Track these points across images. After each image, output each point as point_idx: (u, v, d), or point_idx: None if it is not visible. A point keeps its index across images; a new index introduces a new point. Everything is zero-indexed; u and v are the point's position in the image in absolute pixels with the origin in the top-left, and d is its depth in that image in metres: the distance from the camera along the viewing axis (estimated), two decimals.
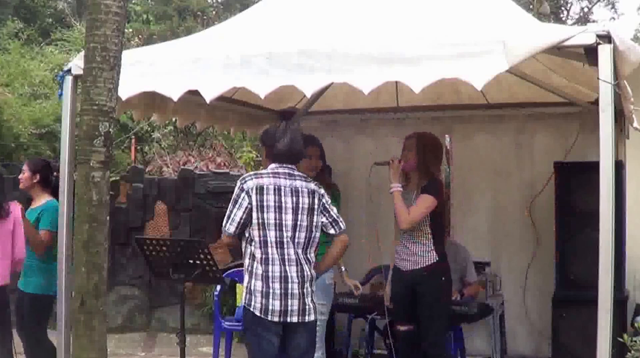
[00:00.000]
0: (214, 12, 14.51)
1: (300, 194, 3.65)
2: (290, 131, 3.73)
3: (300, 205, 3.64)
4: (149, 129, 9.87)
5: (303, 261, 3.62)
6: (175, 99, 3.93)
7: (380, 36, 3.73)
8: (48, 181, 4.90)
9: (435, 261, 4.35)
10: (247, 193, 3.61)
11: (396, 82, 4.13)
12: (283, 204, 3.61)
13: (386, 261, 5.74)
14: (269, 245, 3.58)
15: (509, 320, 5.80)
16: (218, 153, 9.93)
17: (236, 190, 3.66)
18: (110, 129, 2.92)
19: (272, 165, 3.71)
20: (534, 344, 5.86)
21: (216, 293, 5.70)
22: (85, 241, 2.87)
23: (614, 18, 17.15)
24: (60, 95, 4.31)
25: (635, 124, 4.09)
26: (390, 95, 5.73)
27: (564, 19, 15.90)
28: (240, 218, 3.61)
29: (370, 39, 3.70)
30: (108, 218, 2.95)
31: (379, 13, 4.10)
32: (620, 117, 4.54)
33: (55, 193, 4.78)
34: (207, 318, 7.23)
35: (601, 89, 3.27)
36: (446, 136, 6.27)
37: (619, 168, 4.48)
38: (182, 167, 8.57)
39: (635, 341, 3.39)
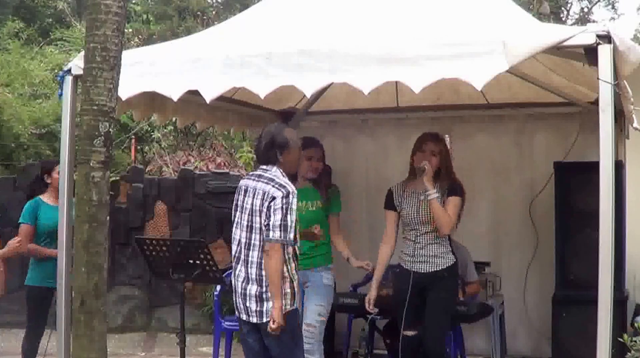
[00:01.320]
0: (214, 12, 14.50)
1: (254, 196, 3.71)
2: (264, 132, 3.88)
3: (251, 206, 3.71)
4: (149, 129, 9.87)
5: (254, 265, 3.69)
6: (175, 99, 3.93)
7: (380, 36, 3.73)
8: None
9: (453, 262, 4.38)
10: (237, 191, 3.84)
11: (396, 82, 4.13)
12: (243, 205, 3.76)
13: None
14: (233, 242, 3.82)
15: (509, 320, 5.80)
16: (218, 153, 9.93)
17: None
18: (110, 129, 2.92)
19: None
20: (534, 344, 5.86)
21: (216, 293, 5.70)
22: (85, 241, 2.87)
23: (613, 18, 17.14)
24: (60, 95, 4.31)
25: (635, 124, 4.09)
26: (390, 95, 5.74)
27: (564, 19, 15.89)
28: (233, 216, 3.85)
29: (370, 39, 3.70)
30: (108, 218, 2.95)
31: (379, 13, 4.10)
32: (620, 117, 4.54)
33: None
34: (207, 318, 7.23)
35: (601, 89, 3.27)
36: (446, 136, 6.26)
37: (619, 168, 4.49)
38: (182, 167, 8.56)
39: (635, 341, 3.40)
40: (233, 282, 3.81)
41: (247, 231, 3.70)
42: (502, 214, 5.96)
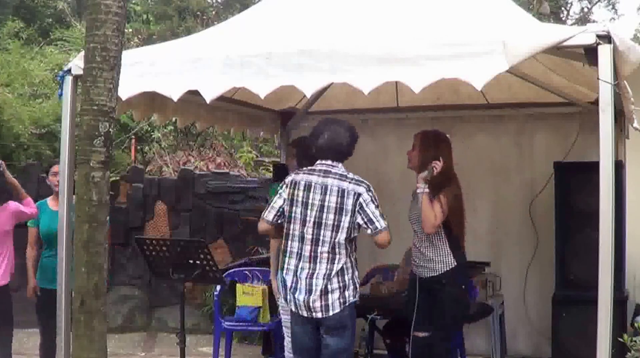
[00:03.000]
0: (213, 12, 14.49)
1: (326, 193, 3.71)
2: (330, 125, 3.83)
3: (323, 203, 3.70)
4: (149, 129, 9.86)
5: (323, 259, 3.68)
6: (175, 99, 3.93)
7: (380, 36, 3.73)
8: None
9: (452, 266, 4.15)
10: (287, 185, 3.80)
11: (396, 82, 4.13)
12: (308, 201, 3.72)
13: (385, 261, 5.76)
14: (290, 238, 3.74)
15: (509, 320, 5.80)
16: (218, 153, 9.93)
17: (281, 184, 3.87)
18: (110, 129, 2.92)
19: (317, 162, 3.82)
20: (534, 344, 5.86)
21: (216, 293, 5.70)
22: (85, 241, 2.87)
23: (614, 18, 17.13)
24: (60, 95, 4.31)
25: (635, 124, 4.09)
26: (390, 95, 5.74)
27: (564, 19, 15.89)
28: (280, 207, 3.79)
29: (370, 39, 3.70)
30: (108, 218, 2.95)
31: (379, 13, 4.10)
32: (620, 117, 4.55)
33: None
34: (207, 318, 7.23)
35: (601, 89, 3.27)
36: (446, 136, 6.26)
37: (619, 168, 4.49)
38: (182, 167, 8.56)
39: (635, 341, 3.40)
40: (289, 278, 3.73)
41: (314, 228, 3.70)
42: (502, 214, 5.96)
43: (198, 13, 13.91)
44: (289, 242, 3.75)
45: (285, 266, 3.76)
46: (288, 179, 3.82)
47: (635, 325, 3.95)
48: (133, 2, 14.15)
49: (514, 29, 3.73)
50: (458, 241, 4.25)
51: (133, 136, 9.62)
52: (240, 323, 5.55)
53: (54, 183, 4.88)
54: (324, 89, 5.15)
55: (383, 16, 4.05)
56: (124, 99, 3.93)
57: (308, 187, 3.74)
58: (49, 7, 14.67)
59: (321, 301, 3.65)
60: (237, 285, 5.57)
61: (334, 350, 3.69)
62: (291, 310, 3.81)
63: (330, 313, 3.66)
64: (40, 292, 4.97)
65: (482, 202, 5.90)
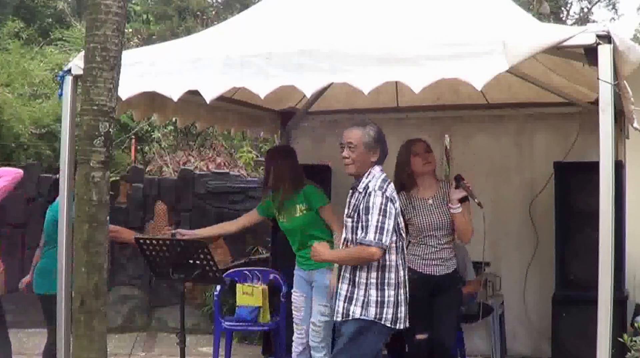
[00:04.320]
0: (213, 12, 14.49)
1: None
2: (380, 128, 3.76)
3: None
4: (149, 129, 9.86)
5: None
6: (175, 99, 3.93)
7: (380, 36, 3.73)
8: None
9: (457, 265, 4.43)
10: (392, 201, 3.55)
11: (396, 82, 4.13)
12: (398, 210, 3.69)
13: None
14: (401, 251, 3.63)
15: (509, 320, 5.80)
16: (218, 153, 9.93)
17: (380, 199, 3.51)
18: (110, 129, 2.92)
19: (378, 168, 3.67)
20: (534, 344, 5.86)
21: (216, 293, 5.70)
22: (85, 241, 2.87)
23: (614, 18, 17.14)
24: (60, 95, 4.31)
25: (635, 124, 4.09)
26: (390, 95, 5.74)
27: (564, 19, 15.89)
28: (394, 227, 3.53)
29: (370, 39, 3.70)
30: (108, 218, 2.95)
31: (378, 13, 4.10)
32: (620, 117, 4.54)
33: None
34: (207, 318, 7.23)
35: (601, 89, 3.27)
36: (446, 136, 6.27)
37: (619, 168, 4.49)
38: (182, 167, 8.56)
39: (635, 341, 3.40)
40: (403, 291, 3.63)
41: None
42: (502, 215, 5.95)
43: (198, 13, 13.92)
44: (398, 255, 3.60)
45: (396, 281, 3.58)
46: (389, 191, 3.57)
47: (635, 325, 3.95)
48: (133, 2, 14.15)
49: (514, 29, 3.73)
50: None
51: (133, 136, 9.62)
52: (240, 323, 5.55)
53: None
54: (324, 89, 5.15)
55: (383, 16, 4.05)
56: (124, 99, 3.93)
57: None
58: (49, 7, 14.67)
59: None
60: (237, 285, 5.57)
61: None
62: (393, 328, 3.60)
63: None
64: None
65: (482, 202, 5.89)
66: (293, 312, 4.74)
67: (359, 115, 6.19)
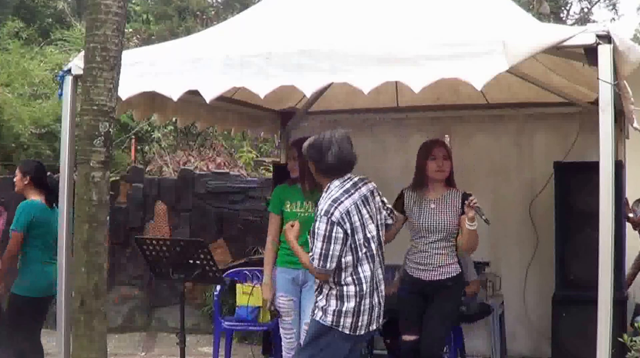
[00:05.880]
0: (213, 12, 14.50)
1: (369, 200, 3.63)
2: (337, 139, 3.61)
3: (374, 210, 3.65)
4: (149, 129, 9.86)
5: (380, 264, 3.67)
6: (175, 99, 3.93)
7: (380, 36, 3.73)
8: (40, 182, 4.85)
9: (459, 272, 4.26)
10: (339, 224, 3.45)
11: (396, 82, 4.13)
12: (364, 219, 3.56)
13: (385, 260, 5.75)
14: (362, 264, 3.53)
15: (509, 320, 5.80)
16: (218, 153, 9.93)
17: (325, 225, 3.45)
18: (110, 129, 2.92)
19: (336, 182, 3.57)
20: (534, 344, 5.86)
21: (216, 293, 5.70)
22: (85, 241, 2.87)
23: (614, 18, 17.14)
24: (60, 95, 4.31)
25: (635, 124, 4.09)
26: (390, 95, 5.73)
27: (564, 19, 15.90)
28: (340, 251, 3.46)
29: (370, 39, 3.70)
30: (108, 218, 2.95)
31: (378, 13, 4.10)
32: (620, 117, 4.54)
33: (50, 194, 4.78)
34: (207, 318, 7.23)
35: (601, 89, 3.27)
36: (446, 136, 6.27)
37: (619, 168, 4.49)
38: (182, 167, 8.56)
39: (635, 341, 3.39)
40: (369, 301, 3.53)
41: (375, 241, 3.61)
42: (502, 215, 5.94)
43: (198, 13, 13.92)
44: (357, 269, 3.51)
45: (357, 293, 3.50)
46: (336, 216, 3.44)
47: (635, 325, 3.94)
48: (133, 2, 14.15)
49: (514, 29, 3.73)
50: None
51: (133, 136, 9.62)
52: (240, 323, 5.55)
53: None
54: (324, 89, 5.15)
55: (383, 16, 4.05)
56: (124, 99, 3.93)
57: (357, 208, 3.52)
58: (49, 7, 14.68)
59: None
60: (237, 285, 5.57)
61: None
62: (354, 335, 3.52)
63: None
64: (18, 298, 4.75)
65: (481, 202, 5.86)
66: (282, 318, 4.48)
67: (359, 115, 6.24)
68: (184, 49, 4.20)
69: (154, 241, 4.42)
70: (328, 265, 3.46)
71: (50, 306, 4.81)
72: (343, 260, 3.49)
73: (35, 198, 4.80)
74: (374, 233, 3.60)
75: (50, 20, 14.42)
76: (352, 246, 3.50)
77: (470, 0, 4.25)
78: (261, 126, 6.43)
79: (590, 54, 3.29)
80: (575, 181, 5.09)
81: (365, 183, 3.66)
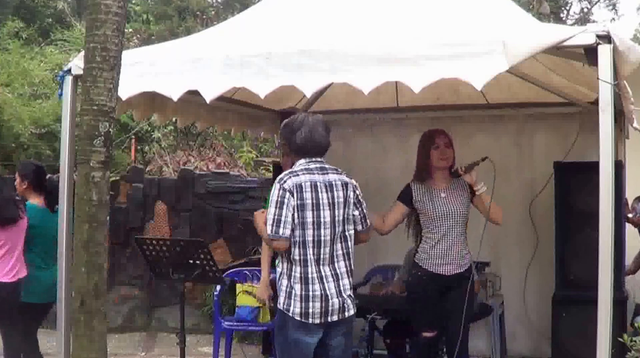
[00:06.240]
0: (213, 12, 14.51)
1: (334, 189, 3.54)
2: (308, 121, 3.56)
3: (336, 199, 3.54)
4: (149, 129, 9.87)
5: (342, 258, 3.56)
6: (175, 99, 3.93)
7: (380, 36, 3.73)
8: (39, 184, 4.85)
9: (471, 263, 4.31)
10: (290, 192, 3.44)
11: (396, 82, 4.13)
12: (320, 201, 3.49)
13: (385, 261, 5.76)
14: (307, 245, 3.46)
15: (509, 320, 5.80)
16: (218, 153, 9.93)
17: (277, 191, 3.45)
18: (110, 129, 2.92)
19: (302, 161, 3.56)
20: (534, 344, 5.86)
21: (216, 293, 5.70)
22: (85, 241, 2.87)
23: (614, 19, 17.15)
24: (60, 95, 4.31)
25: (635, 124, 4.09)
26: (390, 95, 5.73)
27: (564, 19, 15.90)
28: (292, 219, 3.43)
29: (370, 39, 3.70)
30: (108, 218, 2.95)
31: (378, 13, 4.10)
32: (620, 117, 4.55)
33: (49, 196, 4.77)
34: (207, 318, 7.23)
35: (601, 89, 3.27)
36: None
37: (619, 168, 4.49)
38: (182, 167, 8.56)
39: (635, 341, 3.39)
40: (318, 287, 3.45)
41: (333, 227, 3.50)
42: (502, 215, 5.95)
43: (198, 13, 13.93)
44: (303, 250, 3.45)
45: (302, 275, 3.46)
46: (288, 184, 3.44)
47: (635, 325, 3.94)
48: (133, 2, 14.16)
49: (514, 29, 3.73)
50: None
51: (133, 136, 9.63)
52: (240, 323, 5.55)
53: None
54: (324, 89, 5.15)
55: (383, 16, 4.05)
56: (124, 99, 3.93)
57: (315, 187, 3.49)
58: (49, 7, 14.68)
59: (351, 300, 3.57)
60: (237, 285, 5.57)
61: (345, 350, 3.60)
62: (306, 323, 3.46)
63: (353, 311, 3.60)
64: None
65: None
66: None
67: (359, 115, 6.24)
68: (184, 49, 4.20)
69: (154, 241, 4.43)
70: (281, 230, 3.41)
71: (48, 311, 4.80)
72: (293, 232, 3.44)
73: (35, 200, 4.80)
74: (328, 219, 3.49)
75: (50, 20, 14.43)
76: (300, 221, 3.45)
77: (470, 0, 4.25)
78: (261, 126, 6.43)
79: (590, 54, 3.29)
80: (575, 181, 5.10)
81: (340, 174, 3.61)
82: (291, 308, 3.45)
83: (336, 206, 3.53)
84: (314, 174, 3.52)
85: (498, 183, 5.99)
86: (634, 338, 3.41)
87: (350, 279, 3.59)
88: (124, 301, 7.63)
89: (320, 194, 3.49)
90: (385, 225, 4.33)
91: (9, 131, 8.97)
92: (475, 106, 5.89)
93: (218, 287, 5.64)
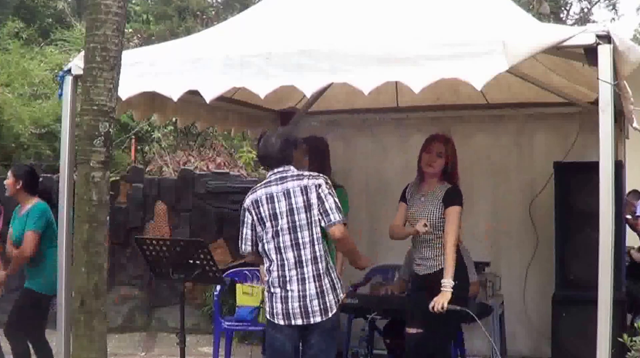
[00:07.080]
0: (213, 12, 14.51)
1: (292, 195, 3.65)
2: (267, 135, 3.80)
3: (290, 206, 3.64)
4: (149, 129, 9.86)
5: (311, 262, 3.63)
6: (175, 99, 3.93)
7: (380, 36, 3.73)
8: (33, 186, 4.92)
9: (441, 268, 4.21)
10: (248, 210, 3.71)
11: (396, 82, 4.13)
12: (276, 211, 3.66)
13: (385, 261, 5.75)
14: (270, 253, 3.68)
15: (509, 320, 5.80)
16: (218, 153, 9.93)
17: (241, 211, 3.76)
18: (110, 129, 2.92)
19: (268, 173, 3.76)
20: (534, 344, 5.86)
21: (216, 293, 5.70)
22: (85, 241, 2.87)
23: (614, 19, 17.15)
24: (60, 95, 4.31)
25: (635, 124, 4.09)
26: (390, 95, 5.73)
27: (564, 19, 15.91)
28: (251, 236, 3.74)
29: (370, 39, 3.70)
30: (108, 218, 2.95)
31: (378, 13, 4.10)
32: (620, 117, 4.54)
33: (42, 197, 4.82)
34: (207, 318, 7.23)
35: (601, 89, 3.27)
36: None
37: (619, 168, 4.49)
38: (182, 167, 8.56)
39: (635, 341, 3.39)
40: (279, 292, 3.64)
41: (290, 233, 3.63)
42: (502, 215, 5.96)
43: (198, 13, 13.92)
44: (268, 257, 3.69)
45: (271, 279, 3.68)
46: (247, 202, 3.72)
47: (635, 325, 3.95)
48: (133, 2, 14.16)
49: (514, 29, 3.73)
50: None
51: (133, 136, 9.63)
52: (240, 323, 5.55)
53: None
54: (324, 89, 5.15)
55: (383, 16, 4.05)
56: (124, 99, 3.93)
57: (270, 199, 3.66)
58: (49, 7, 14.69)
59: (319, 305, 3.61)
60: (237, 285, 5.57)
61: (323, 351, 3.67)
62: (274, 323, 3.66)
63: (330, 314, 3.63)
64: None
65: (481, 202, 5.90)
66: None
67: (359, 115, 6.24)
68: (184, 49, 4.20)
69: (154, 241, 4.42)
70: (243, 247, 3.78)
71: (50, 307, 4.84)
72: (260, 244, 3.71)
73: (31, 201, 4.86)
74: (286, 226, 3.63)
75: (50, 20, 14.43)
76: (263, 233, 3.69)
77: (470, 0, 4.25)
78: (261, 126, 6.42)
79: (590, 54, 3.30)
80: (575, 181, 5.10)
81: (302, 179, 3.67)
82: (267, 308, 3.73)
83: (295, 212, 3.65)
84: (271, 186, 3.70)
85: (498, 183, 6.04)
86: (634, 338, 3.41)
87: (325, 282, 3.64)
88: (124, 301, 7.62)
89: (277, 204, 3.67)
90: (394, 225, 4.41)
91: (9, 131, 8.97)
92: (475, 106, 5.89)
93: (218, 287, 5.64)
